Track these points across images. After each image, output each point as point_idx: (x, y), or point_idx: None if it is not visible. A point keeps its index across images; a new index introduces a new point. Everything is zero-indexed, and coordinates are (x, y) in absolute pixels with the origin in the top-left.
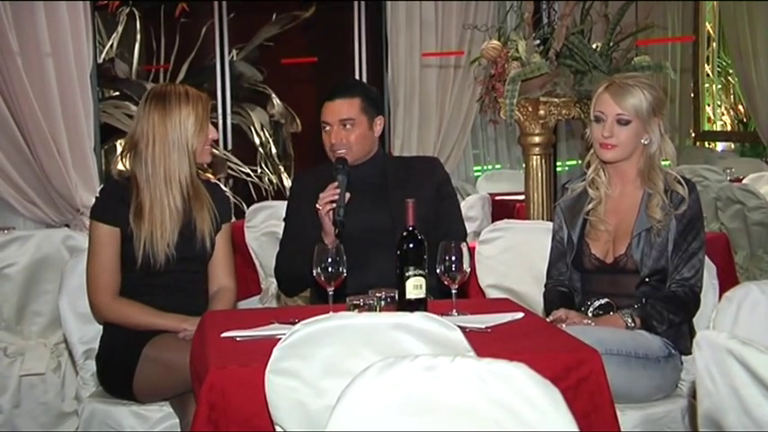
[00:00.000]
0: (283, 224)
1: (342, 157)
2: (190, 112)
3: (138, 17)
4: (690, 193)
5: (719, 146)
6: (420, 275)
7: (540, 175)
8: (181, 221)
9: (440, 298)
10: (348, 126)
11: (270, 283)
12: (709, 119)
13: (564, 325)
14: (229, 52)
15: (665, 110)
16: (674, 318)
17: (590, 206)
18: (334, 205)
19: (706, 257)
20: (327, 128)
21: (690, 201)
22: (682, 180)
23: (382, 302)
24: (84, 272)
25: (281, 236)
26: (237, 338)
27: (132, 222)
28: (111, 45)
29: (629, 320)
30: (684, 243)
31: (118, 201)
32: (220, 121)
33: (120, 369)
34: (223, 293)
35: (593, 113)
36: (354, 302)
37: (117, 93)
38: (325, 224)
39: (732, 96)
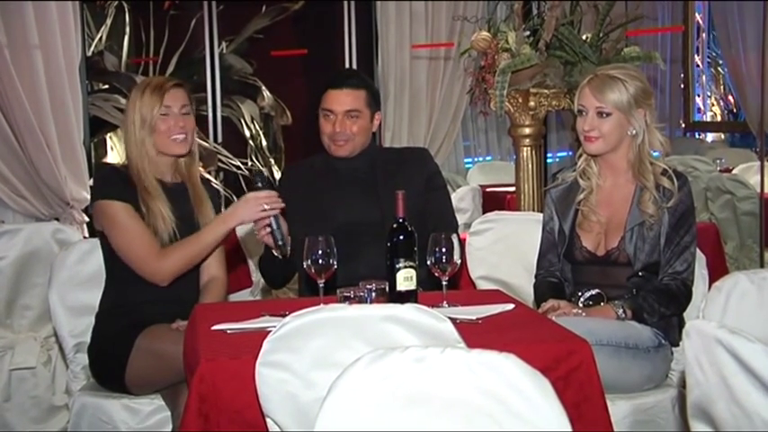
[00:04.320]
0: None
1: (259, 170)
2: (146, 99)
3: (126, 10)
4: (682, 187)
5: (709, 136)
6: (410, 267)
7: (530, 166)
8: (170, 206)
9: (430, 289)
10: (353, 117)
11: (261, 276)
12: (699, 109)
13: (554, 315)
14: (219, 45)
15: (652, 100)
16: (665, 311)
17: (581, 196)
18: (269, 230)
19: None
20: (331, 116)
21: (682, 194)
22: (671, 173)
23: (373, 294)
24: (73, 265)
25: None
26: (228, 331)
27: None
28: (100, 38)
29: (621, 311)
30: (677, 237)
31: (120, 181)
32: (210, 114)
33: (112, 360)
34: (215, 283)
35: (576, 107)
36: (345, 294)
37: (106, 86)
38: (267, 241)
39: (722, 87)
